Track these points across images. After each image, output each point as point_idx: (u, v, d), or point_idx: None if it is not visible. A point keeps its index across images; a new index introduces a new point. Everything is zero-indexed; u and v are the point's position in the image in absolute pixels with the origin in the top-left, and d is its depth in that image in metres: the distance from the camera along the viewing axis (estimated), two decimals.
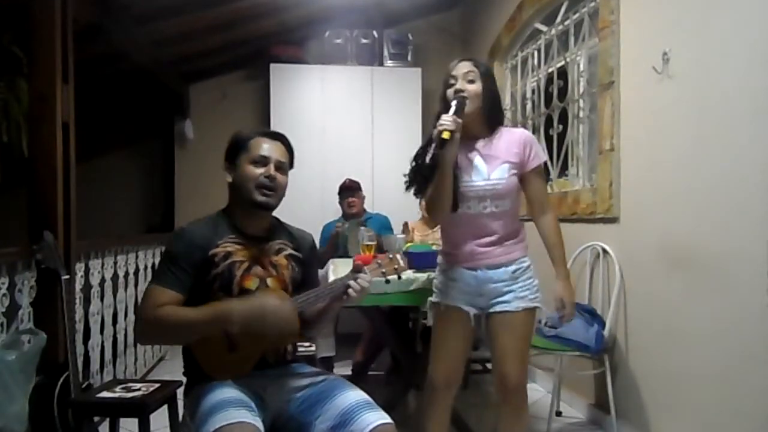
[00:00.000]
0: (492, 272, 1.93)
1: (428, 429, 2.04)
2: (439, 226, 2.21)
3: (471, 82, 1.90)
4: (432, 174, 1.86)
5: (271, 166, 1.65)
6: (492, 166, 1.92)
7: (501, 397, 1.98)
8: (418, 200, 2.16)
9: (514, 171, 1.92)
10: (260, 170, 1.63)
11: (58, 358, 2.37)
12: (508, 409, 1.98)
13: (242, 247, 1.62)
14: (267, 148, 1.66)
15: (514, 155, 1.93)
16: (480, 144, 1.94)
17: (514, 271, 1.93)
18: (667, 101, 2.39)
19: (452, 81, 1.91)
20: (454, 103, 1.82)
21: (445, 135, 1.74)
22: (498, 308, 1.93)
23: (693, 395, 2.25)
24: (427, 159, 1.82)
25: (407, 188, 1.99)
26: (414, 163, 1.98)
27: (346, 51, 5.01)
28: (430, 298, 2.08)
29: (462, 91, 1.86)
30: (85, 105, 2.86)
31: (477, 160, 1.93)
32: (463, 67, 1.92)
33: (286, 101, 4.84)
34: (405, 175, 2.00)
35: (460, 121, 1.79)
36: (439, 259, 2.08)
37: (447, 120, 1.76)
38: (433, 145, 1.79)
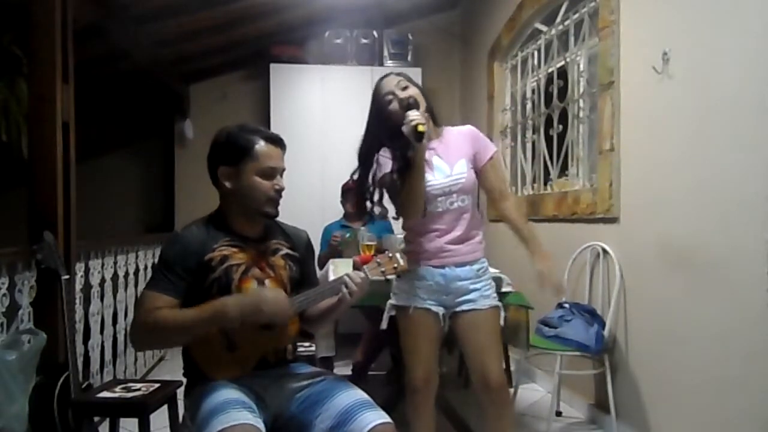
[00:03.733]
0: (459, 270, 1.95)
1: (416, 431, 2.03)
2: None
3: (405, 88, 1.94)
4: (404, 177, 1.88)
5: (279, 177, 1.64)
6: (450, 162, 1.97)
7: (485, 397, 1.97)
8: None
9: (471, 165, 1.99)
10: (270, 182, 1.61)
11: (58, 358, 2.37)
12: (493, 408, 1.98)
13: (239, 250, 1.60)
14: (274, 157, 1.62)
15: (468, 149, 2.01)
16: (434, 144, 1.99)
17: (478, 270, 1.98)
18: (667, 101, 2.39)
19: (389, 97, 1.94)
20: (410, 106, 1.84)
21: (421, 128, 1.77)
22: (465, 307, 1.95)
23: (693, 395, 2.25)
24: (387, 167, 1.90)
25: (363, 209, 2.04)
26: (362, 183, 2.00)
27: (346, 51, 5.01)
28: (391, 301, 2.02)
29: (405, 98, 1.89)
30: (85, 105, 2.86)
31: (435, 159, 1.97)
32: (391, 80, 1.98)
33: (286, 101, 4.84)
34: (356, 201, 2.05)
35: (426, 114, 1.85)
36: None
37: (415, 114, 1.80)
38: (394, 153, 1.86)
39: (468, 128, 2.09)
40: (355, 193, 2.05)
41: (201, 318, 1.46)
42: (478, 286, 1.96)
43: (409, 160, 1.86)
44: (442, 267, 1.95)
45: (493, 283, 2.04)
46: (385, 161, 1.95)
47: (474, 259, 1.98)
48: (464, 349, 2.02)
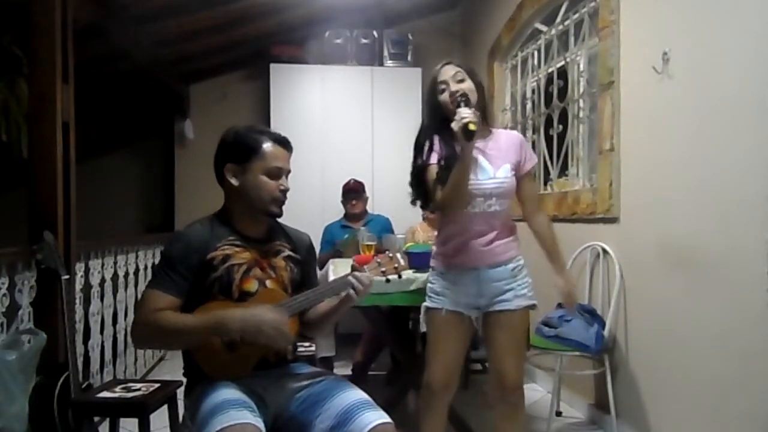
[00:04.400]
0: (493, 271, 1.94)
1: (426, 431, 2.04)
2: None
3: (461, 81, 1.92)
4: (449, 171, 1.85)
5: (284, 178, 1.65)
6: (496, 165, 1.95)
7: (499, 396, 1.98)
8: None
9: (514, 172, 1.97)
10: (276, 182, 1.62)
11: (58, 358, 2.37)
12: (506, 408, 1.99)
13: (241, 250, 1.61)
14: (281, 158, 1.63)
15: (513, 156, 1.98)
16: (482, 144, 1.96)
17: (513, 269, 1.96)
18: (667, 101, 2.39)
19: (443, 86, 1.93)
20: (462, 102, 1.81)
21: (472, 126, 1.73)
22: (498, 307, 1.94)
23: (693, 395, 2.25)
24: (432, 159, 1.88)
25: (414, 201, 2.01)
26: (416, 170, 1.98)
27: (346, 51, 5.01)
28: (425, 304, 2.03)
29: (457, 92, 1.87)
30: (85, 105, 2.86)
31: (481, 159, 1.94)
32: (449, 71, 1.95)
33: (286, 101, 4.84)
34: (411, 190, 2.01)
35: (477, 113, 1.81)
36: (435, 262, 2.04)
37: (467, 112, 1.75)
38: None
39: (516, 134, 2.08)
40: (412, 181, 2.01)
41: (200, 326, 1.47)
42: (513, 285, 1.94)
43: (456, 153, 1.85)
44: (477, 269, 1.94)
45: (530, 280, 1.99)
46: (434, 152, 1.93)
47: (508, 259, 1.95)
48: (487, 347, 2.03)
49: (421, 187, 1.97)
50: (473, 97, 1.89)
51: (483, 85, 1.99)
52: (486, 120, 2.00)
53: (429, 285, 2.04)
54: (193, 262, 1.55)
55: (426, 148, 1.95)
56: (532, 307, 1.98)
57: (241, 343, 1.55)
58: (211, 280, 1.55)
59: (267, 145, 1.62)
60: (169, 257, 1.56)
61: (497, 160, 1.95)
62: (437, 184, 1.88)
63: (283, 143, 1.66)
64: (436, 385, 1.99)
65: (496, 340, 1.97)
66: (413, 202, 2.04)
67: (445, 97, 1.91)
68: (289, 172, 1.67)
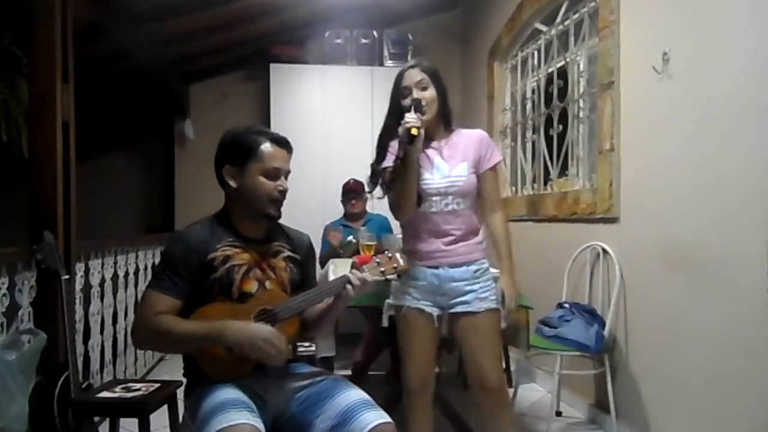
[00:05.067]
0: (453, 271, 1.94)
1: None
2: None
3: (424, 89, 1.95)
4: (399, 173, 1.90)
5: (283, 179, 1.64)
6: (452, 164, 1.97)
7: (482, 399, 1.97)
8: None
9: (473, 169, 1.99)
10: (273, 183, 1.61)
11: (58, 358, 2.37)
12: (491, 410, 1.97)
13: (241, 251, 1.61)
14: (279, 158, 1.62)
15: (472, 153, 2.00)
16: (439, 144, 2.00)
17: (476, 272, 1.96)
18: (667, 101, 2.39)
19: (406, 92, 1.96)
20: (412, 107, 1.87)
21: (414, 131, 1.79)
22: (459, 309, 1.94)
23: (693, 395, 2.25)
24: (388, 161, 1.94)
25: (371, 190, 2.05)
26: (373, 167, 2.04)
27: (346, 51, 5.01)
28: (387, 300, 2.04)
29: (419, 99, 1.91)
30: (85, 105, 2.86)
31: (437, 159, 1.98)
32: (414, 76, 1.96)
33: (286, 101, 4.84)
34: (368, 181, 2.05)
35: (424, 118, 1.86)
36: None
37: (412, 117, 1.81)
38: (399, 147, 1.88)
39: (479, 132, 2.07)
40: (370, 179, 2.06)
41: (198, 335, 1.48)
42: (474, 287, 1.94)
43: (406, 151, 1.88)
44: (436, 267, 1.95)
45: (494, 285, 2.00)
46: (390, 154, 1.97)
47: (470, 260, 1.96)
48: (461, 351, 2.03)
49: (375, 185, 2.03)
50: (433, 105, 1.94)
51: (446, 90, 2.01)
52: (446, 122, 2.03)
53: (393, 282, 2.02)
54: (193, 262, 1.55)
55: (385, 151, 2.00)
56: (496, 311, 1.96)
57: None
58: (211, 280, 1.55)
59: (264, 146, 1.61)
60: (169, 258, 1.56)
61: (453, 159, 1.97)
62: (390, 187, 1.94)
63: (282, 143, 1.65)
64: (411, 382, 1.99)
65: (468, 343, 1.97)
66: (369, 193, 2.08)
67: (407, 102, 1.93)
68: (288, 172, 1.66)
